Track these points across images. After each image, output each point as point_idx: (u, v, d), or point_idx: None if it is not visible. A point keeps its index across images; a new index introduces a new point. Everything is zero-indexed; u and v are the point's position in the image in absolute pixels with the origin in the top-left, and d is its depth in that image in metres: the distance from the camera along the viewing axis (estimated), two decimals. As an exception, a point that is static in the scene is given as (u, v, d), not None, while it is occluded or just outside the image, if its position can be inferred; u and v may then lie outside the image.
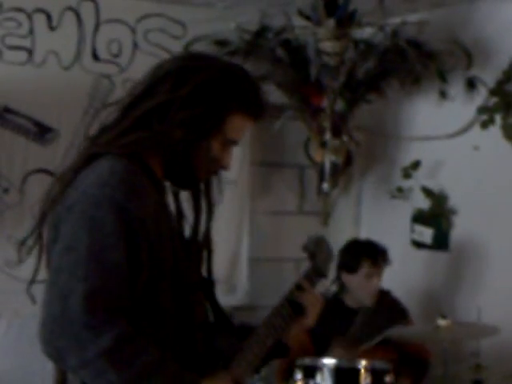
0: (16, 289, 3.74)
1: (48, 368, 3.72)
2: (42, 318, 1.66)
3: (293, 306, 1.99)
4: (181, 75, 1.81)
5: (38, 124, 3.79)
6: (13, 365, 3.76)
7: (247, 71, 1.92)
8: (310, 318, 2.01)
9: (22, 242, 1.86)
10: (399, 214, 4.22)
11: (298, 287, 2.02)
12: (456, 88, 3.90)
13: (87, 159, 1.80)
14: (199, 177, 1.88)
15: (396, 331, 3.38)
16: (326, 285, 3.49)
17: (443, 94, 3.93)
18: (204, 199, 1.92)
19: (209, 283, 1.96)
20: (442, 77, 3.86)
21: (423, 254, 4.14)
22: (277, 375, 3.33)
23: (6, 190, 3.75)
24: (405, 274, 3.93)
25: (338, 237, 4.06)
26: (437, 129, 4.01)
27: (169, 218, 1.86)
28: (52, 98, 3.79)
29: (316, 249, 2.14)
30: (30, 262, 3.82)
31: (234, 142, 1.88)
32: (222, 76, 1.84)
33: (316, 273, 2.12)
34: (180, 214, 1.93)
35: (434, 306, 3.87)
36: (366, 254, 3.61)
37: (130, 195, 1.72)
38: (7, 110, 3.74)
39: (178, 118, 1.79)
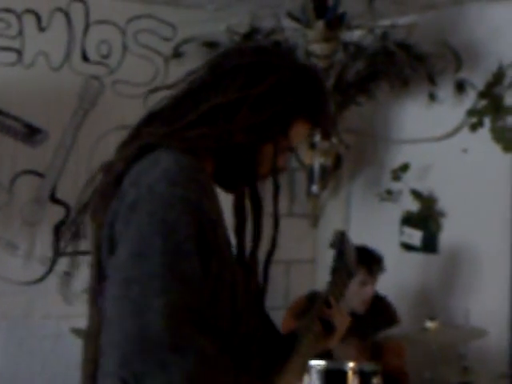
0: (5, 291, 3.74)
1: (36, 370, 3.77)
2: (114, 337, 1.44)
3: (323, 324, 1.81)
4: (254, 72, 1.63)
5: (26, 125, 3.78)
6: (0, 366, 3.75)
7: (320, 73, 1.79)
8: (337, 338, 1.84)
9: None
10: (388, 217, 4.23)
11: (327, 303, 1.84)
12: (445, 91, 3.90)
13: (141, 150, 1.58)
14: (255, 180, 1.70)
15: (384, 334, 3.39)
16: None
17: (432, 97, 3.94)
18: (253, 203, 1.73)
19: (260, 293, 1.76)
20: (432, 79, 3.87)
21: (412, 256, 4.14)
22: None
23: (-6, 192, 3.75)
24: (394, 276, 3.93)
25: (327, 239, 4.05)
26: (426, 131, 4.01)
27: (224, 222, 1.66)
28: (41, 99, 3.79)
29: (343, 246, 1.92)
30: (19, 262, 3.86)
31: (293, 148, 1.71)
32: (295, 78, 1.67)
33: (348, 274, 1.93)
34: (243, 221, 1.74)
35: (423, 308, 3.87)
36: (362, 262, 3.61)
37: (202, 195, 1.52)
38: (-4, 111, 3.74)
39: (246, 118, 1.62)
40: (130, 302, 1.43)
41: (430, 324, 3.18)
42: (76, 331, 3.36)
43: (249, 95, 1.61)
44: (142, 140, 1.59)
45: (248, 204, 1.73)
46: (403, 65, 3.80)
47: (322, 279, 4.31)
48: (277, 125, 1.64)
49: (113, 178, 1.58)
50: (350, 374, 2.98)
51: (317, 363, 3.02)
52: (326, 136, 3.95)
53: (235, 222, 1.72)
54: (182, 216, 1.47)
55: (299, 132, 1.69)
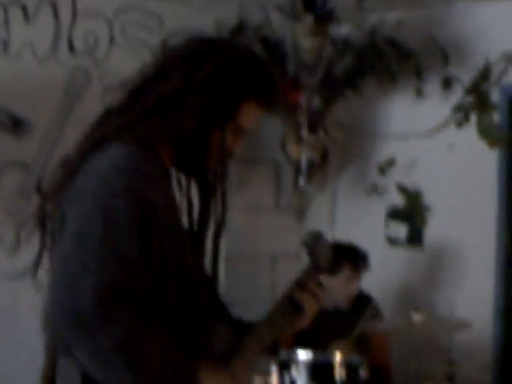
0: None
1: (21, 362, 3.75)
2: (49, 306, 1.59)
3: (293, 305, 1.93)
4: (196, 60, 1.73)
5: (12, 116, 3.75)
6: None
7: (263, 60, 1.86)
8: (307, 320, 1.95)
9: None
10: (374, 211, 4.25)
11: (299, 285, 1.95)
12: (432, 87, 3.93)
13: (96, 143, 1.71)
14: (210, 165, 1.80)
15: (370, 327, 3.41)
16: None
17: (420, 93, 3.96)
18: (216, 190, 1.82)
19: (212, 278, 1.88)
20: (419, 75, 3.89)
21: (397, 250, 4.17)
22: None
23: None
24: (379, 269, 3.95)
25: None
26: (413, 127, 4.04)
27: (177, 209, 1.78)
28: (27, 91, 3.75)
29: (315, 245, 2.07)
30: (4, 254, 3.82)
31: (245, 131, 1.80)
32: (239, 63, 1.76)
33: (316, 269, 2.04)
34: (190, 205, 1.84)
35: (409, 302, 3.90)
36: (348, 259, 3.63)
37: (146, 184, 1.65)
38: (-19, 102, 3.71)
39: (193, 105, 1.71)
40: (67, 277, 1.57)
41: (415, 316, 3.19)
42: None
43: (193, 82, 1.71)
44: (97, 134, 1.73)
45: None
46: (391, 61, 3.81)
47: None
48: (224, 109, 1.73)
49: (69, 170, 1.71)
50: (336, 366, 3.00)
51: (304, 356, 3.04)
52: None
53: (200, 209, 1.82)
54: (124, 203, 1.61)
55: (249, 115, 1.77)
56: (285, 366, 3.04)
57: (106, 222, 1.60)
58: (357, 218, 4.36)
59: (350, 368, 2.94)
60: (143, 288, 1.64)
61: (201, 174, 1.82)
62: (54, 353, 1.74)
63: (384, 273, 4.10)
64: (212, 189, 1.82)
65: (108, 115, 1.78)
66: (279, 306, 1.91)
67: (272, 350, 1.99)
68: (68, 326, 1.55)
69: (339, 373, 2.96)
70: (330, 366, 3.01)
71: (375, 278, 3.83)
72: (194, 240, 1.82)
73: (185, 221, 1.82)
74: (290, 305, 1.92)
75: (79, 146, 1.75)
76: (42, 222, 1.74)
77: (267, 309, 1.93)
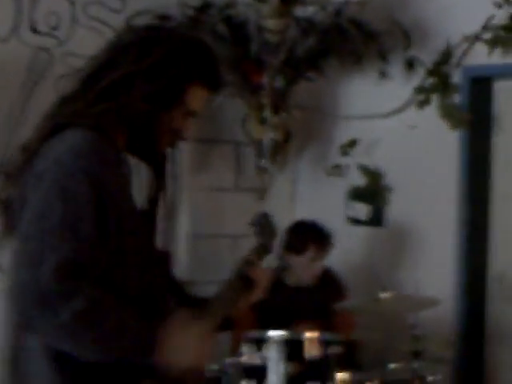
0: None
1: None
2: (11, 286, 1.67)
3: (243, 280, 2.08)
4: (144, 47, 1.84)
5: (-27, 97, 3.69)
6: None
7: (208, 44, 1.97)
8: (259, 292, 2.11)
9: None
10: (335, 191, 4.30)
11: (248, 262, 2.12)
12: (395, 68, 3.97)
13: (52, 130, 1.81)
14: (160, 148, 1.92)
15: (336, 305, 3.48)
16: (270, 262, 3.54)
17: (383, 74, 4.00)
18: (166, 171, 1.96)
19: (165, 256, 2.01)
20: (382, 56, 3.93)
21: (359, 230, 4.23)
22: (231, 350, 3.37)
23: None
24: (341, 250, 4.01)
25: (275, 213, 4.08)
26: (375, 108, 4.08)
27: (131, 191, 1.89)
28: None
29: (262, 226, 2.26)
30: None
31: (193, 113, 1.92)
32: (183, 47, 1.88)
33: (263, 249, 2.22)
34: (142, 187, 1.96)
35: (373, 281, 3.96)
36: (313, 238, 3.68)
37: (103, 167, 1.75)
38: None
39: (142, 89, 1.82)
40: (27, 256, 1.66)
41: (383, 294, 3.26)
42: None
43: (141, 67, 1.82)
44: (53, 120, 1.83)
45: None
46: (355, 42, 3.85)
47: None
48: (171, 92, 1.85)
49: (27, 155, 1.81)
50: (308, 343, 3.04)
51: (275, 334, 3.07)
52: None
53: (152, 190, 1.95)
54: (82, 185, 1.70)
55: (196, 97, 1.89)
56: (257, 345, 3.07)
57: (64, 203, 1.69)
58: (318, 199, 4.40)
59: (324, 345, 2.98)
60: (101, 265, 1.74)
61: (152, 157, 1.93)
62: (19, 332, 1.80)
63: (346, 253, 4.15)
64: (162, 171, 1.94)
65: (63, 102, 1.88)
66: (229, 282, 2.06)
67: (225, 327, 2.07)
68: (31, 304, 1.63)
69: (313, 350, 3.00)
70: (301, 344, 3.05)
71: (337, 257, 3.89)
72: (147, 221, 1.93)
73: (139, 202, 1.93)
74: (240, 280, 2.07)
75: (37, 132, 1.84)
76: (4, 205, 1.83)
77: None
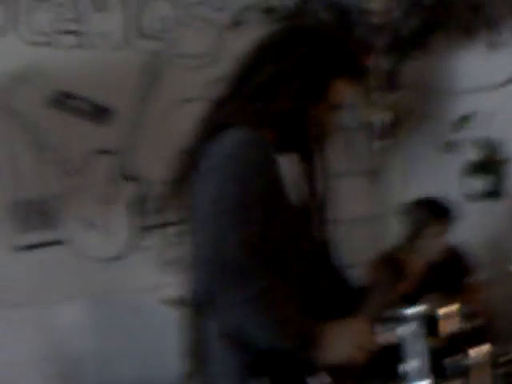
0: (86, 268, 3.82)
1: (121, 344, 3.85)
2: (198, 260, 1.75)
3: (394, 270, 2.06)
4: (287, 46, 1.92)
5: (93, 105, 3.83)
6: (93, 344, 3.84)
7: (348, 38, 2.02)
8: (408, 284, 2.09)
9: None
10: (449, 168, 4.26)
11: (400, 251, 2.10)
12: (504, 37, 3.91)
13: (211, 131, 1.88)
14: (310, 142, 1.96)
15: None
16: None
17: (492, 44, 3.94)
18: (319, 165, 2.00)
19: (324, 245, 2.04)
20: (491, 27, 3.87)
21: (477, 205, 4.19)
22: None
23: (70, 174, 3.81)
24: (460, 226, 3.98)
25: (388, 194, 4.12)
26: (485, 80, 4.03)
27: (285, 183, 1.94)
28: (105, 79, 3.83)
29: (414, 213, 2.24)
30: (97, 239, 3.91)
31: (339, 106, 1.96)
32: (325, 43, 1.94)
33: (413, 236, 2.20)
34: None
35: (495, 256, 3.92)
36: (434, 213, 3.67)
37: (268, 158, 1.84)
38: (63, 94, 3.79)
39: (289, 87, 1.89)
40: (208, 235, 1.74)
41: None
42: (165, 301, 3.44)
43: (286, 66, 1.88)
44: (210, 123, 1.91)
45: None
46: (462, 14, 3.81)
47: (385, 234, 4.36)
48: (317, 88, 1.90)
49: (191, 158, 1.89)
50: (445, 318, 3.03)
51: (412, 311, 3.07)
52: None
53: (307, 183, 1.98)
54: (252, 172, 1.79)
55: (341, 91, 1.94)
56: (394, 323, 3.09)
57: (238, 188, 1.76)
58: (431, 177, 4.37)
59: (461, 318, 2.97)
60: (269, 250, 1.79)
61: (302, 151, 1.97)
62: (198, 323, 1.87)
63: (465, 229, 4.11)
64: (312, 164, 1.99)
65: (217, 105, 1.95)
66: (383, 274, 2.05)
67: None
68: (217, 279, 1.70)
69: (449, 324, 3.00)
70: (436, 319, 3.04)
71: (460, 234, 3.85)
72: (304, 212, 1.96)
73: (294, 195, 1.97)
74: (392, 270, 2.06)
75: (196, 135, 1.93)
76: (167, 207, 1.93)
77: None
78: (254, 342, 1.75)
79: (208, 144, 1.86)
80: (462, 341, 3.02)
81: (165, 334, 3.64)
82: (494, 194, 4.13)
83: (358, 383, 1.90)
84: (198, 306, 1.84)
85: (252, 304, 1.70)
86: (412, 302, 3.19)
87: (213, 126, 1.89)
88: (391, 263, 2.08)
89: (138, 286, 3.85)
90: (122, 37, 3.90)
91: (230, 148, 1.82)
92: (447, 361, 2.98)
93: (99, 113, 3.84)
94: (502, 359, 3.09)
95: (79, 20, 3.83)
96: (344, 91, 1.96)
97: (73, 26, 3.82)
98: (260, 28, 3.68)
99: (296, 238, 1.87)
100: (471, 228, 4.13)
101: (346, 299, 2.02)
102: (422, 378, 2.96)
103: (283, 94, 1.88)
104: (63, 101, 3.78)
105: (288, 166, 1.97)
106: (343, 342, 1.81)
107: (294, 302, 1.78)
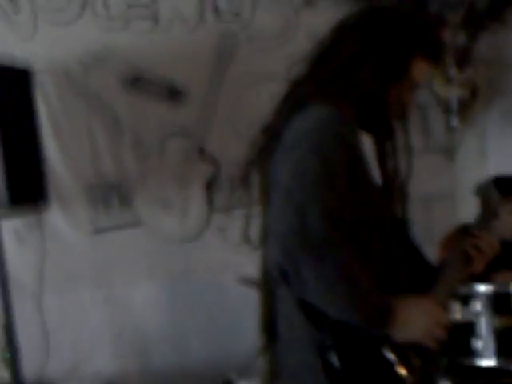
0: (171, 250, 3.89)
1: (201, 323, 3.91)
2: (279, 231, 1.75)
3: (466, 253, 2.08)
4: (367, 27, 1.97)
5: (169, 87, 3.88)
6: (167, 324, 3.90)
7: (425, 18, 2.12)
8: (479, 265, 2.11)
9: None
10: (528, 144, 4.18)
11: (471, 233, 2.14)
12: None
13: (292, 108, 1.92)
14: (391, 120, 2.00)
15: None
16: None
17: None
18: (401, 143, 2.03)
19: (403, 223, 2.05)
20: None
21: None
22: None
23: (146, 156, 3.87)
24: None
25: (465, 172, 4.06)
26: None
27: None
28: (180, 61, 3.87)
29: (487, 193, 2.32)
30: (176, 221, 3.95)
31: (418, 84, 2.00)
32: (403, 23, 1.98)
33: (488, 217, 2.27)
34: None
35: None
36: (505, 192, 3.60)
37: (351, 134, 1.88)
38: (138, 78, 3.85)
39: (370, 67, 1.92)
40: (292, 206, 1.73)
41: None
42: (243, 280, 3.47)
43: (367, 46, 1.93)
44: (291, 101, 1.94)
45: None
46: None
47: (461, 212, 4.30)
48: (397, 67, 1.95)
49: (273, 133, 1.92)
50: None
51: (484, 288, 3.04)
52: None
53: (378, 160, 2.02)
54: (336, 146, 1.80)
55: (420, 69, 1.97)
56: (465, 300, 3.06)
57: (320, 160, 1.78)
58: (509, 153, 4.29)
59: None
60: (350, 224, 1.81)
61: (380, 131, 2.01)
62: (270, 290, 1.92)
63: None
64: (392, 141, 2.02)
65: (297, 84, 1.99)
66: (455, 255, 2.08)
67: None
68: (297, 248, 1.71)
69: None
70: (509, 296, 3.01)
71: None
72: (385, 190, 2.00)
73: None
74: (464, 257, 2.07)
75: (276, 113, 1.97)
76: (247, 186, 1.97)
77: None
78: (330, 315, 1.77)
79: (289, 122, 1.89)
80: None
81: (242, 313, 3.68)
82: None
83: (428, 360, 1.90)
84: (274, 281, 1.86)
85: (333, 275, 1.72)
86: (484, 280, 3.16)
87: (293, 105, 1.92)
88: (464, 241, 2.10)
89: (215, 265, 3.90)
90: (197, 19, 3.93)
91: (313, 124, 1.84)
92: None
93: (174, 94, 3.89)
94: None
95: (155, 2, 3.87)
96: (424, 69, 1.99)
97: (148, 10, 3.87)
98: (334, 7, 3.67)
99: (377, 215, 1.89)
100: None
101: (421, 278, 2.02)
102: (490, 356, 2.94)
103: (365, 74, 1.91)
104: (139, 84, 3.84)
105: (369, 145, 2.00)
106: (419, 320, 1.82)
107: (371, 277, 1.79)
